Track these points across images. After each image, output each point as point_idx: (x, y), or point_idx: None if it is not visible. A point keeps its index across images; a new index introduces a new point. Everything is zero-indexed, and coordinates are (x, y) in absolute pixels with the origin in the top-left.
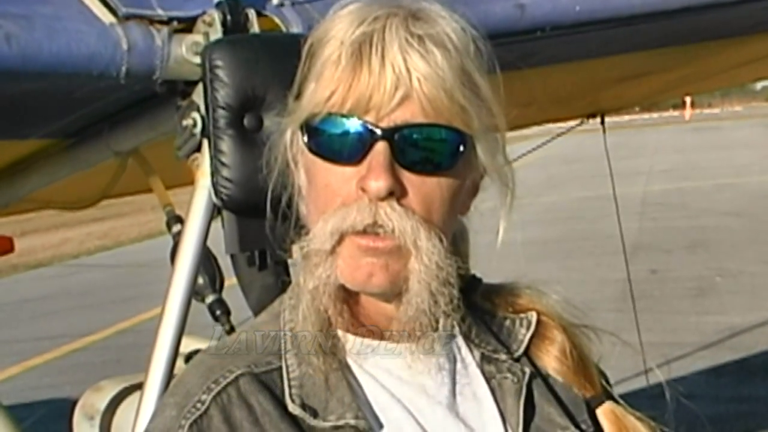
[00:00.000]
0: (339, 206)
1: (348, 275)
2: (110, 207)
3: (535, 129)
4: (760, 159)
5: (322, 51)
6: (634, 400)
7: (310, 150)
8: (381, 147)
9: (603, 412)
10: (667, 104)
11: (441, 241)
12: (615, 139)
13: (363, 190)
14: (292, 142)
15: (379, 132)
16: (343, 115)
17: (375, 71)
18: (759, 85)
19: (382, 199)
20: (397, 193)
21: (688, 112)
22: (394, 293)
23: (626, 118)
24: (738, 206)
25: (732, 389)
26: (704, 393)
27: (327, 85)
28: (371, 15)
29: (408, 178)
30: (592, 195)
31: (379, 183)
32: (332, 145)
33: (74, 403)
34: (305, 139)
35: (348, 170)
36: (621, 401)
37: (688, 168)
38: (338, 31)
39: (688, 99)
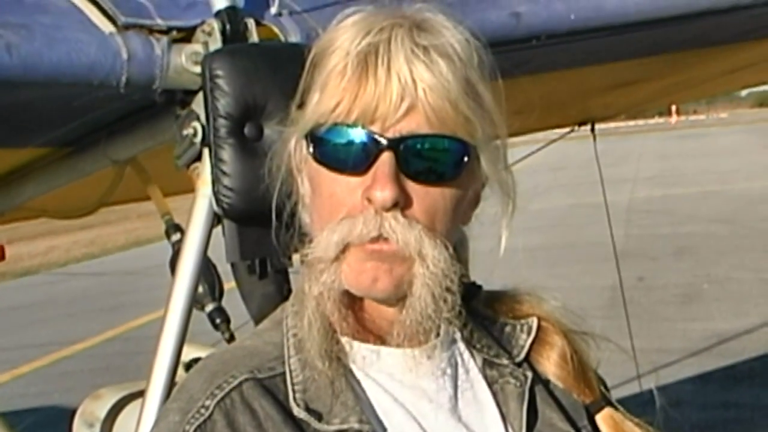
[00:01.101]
0: (344, 217)
1: (353, 280)
2: (97, 215)
3: (523, 137)
4: (745, 165)
5: (327, 61)
6: (623, 407)
7: (315, 159)
8: (386, 157)
9: (602, 418)
10: (652, 111)
11: (446, 248)
12: (600, 146)
13: (368, 200)
14: (295, 150)
15: (384, 142)
16: (348, 125)
17: (381, 81)
18: (744, 92)
19: (387, 210)
20: (401, 203)
21: (673, 118)
22: (398, 297)
23: (612, 125)
24: (724, 213)
25: (719, 395)
26: (691, 399)
27: (332, 95)
28: (376, 26)
29: (412, 188)
30: (578, 202)
31: (385, 193)
32: (337, 155)
33: (65, 410)
34: (310, 148)
35: (353, 180)
36: (620, 407)
37: (673, 175)
38: (344, 42)
39: (673, 106)
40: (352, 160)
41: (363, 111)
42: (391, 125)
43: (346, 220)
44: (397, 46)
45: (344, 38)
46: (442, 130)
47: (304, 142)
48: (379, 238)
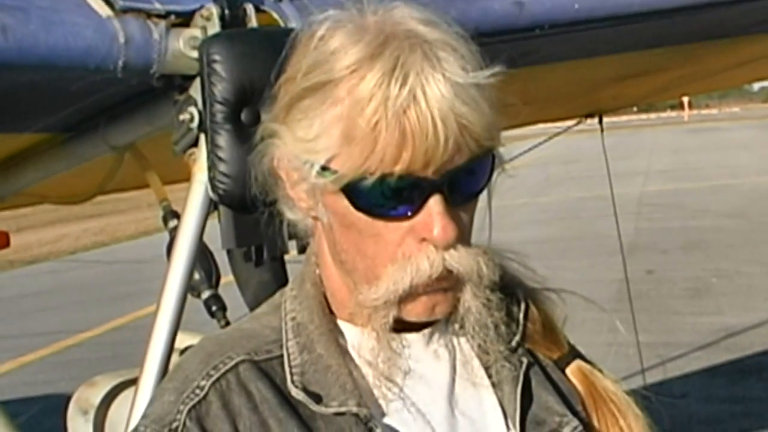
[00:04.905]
0: (403, 259)
1: (411, 312)
2: (107, 203)
3: (532, 129)
4: (757, 160)
5: (354, 110)
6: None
7: (360, 210)
8: (439, 197)
9: (571, 372)
10: (664, 105)
11: (485, 253)
12: (612, 139)
13: (424, 239)
14: (312, 181)
15: (434, 184)
16: (396, 175)
17: (428, 131)
18: (756, 86)
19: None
20: (456, 235)
21: (686, 112)
22: None
23: (624, 118)
24: (734, 207)
25: (727, 389)
26: (699, 393)
27: (370, 148)
28: (401, 61)
29: (458, 214)
30: (588, 195)
31: (447, 233)
32: (384, 205)
33: (69, 398)
34: (352, 201)
35: (403, 223)
36: (588, 359)
37: (685, 169)
38: (373, 91)
39: (685, 100)
40: (402, 208)
41: (411, 160)
42: (438, 167)
43: (407, 266)
44: (433, 91)
45: (371, 87)
46: (478, 151)
47: (327, 183)
48: (445, 270)
